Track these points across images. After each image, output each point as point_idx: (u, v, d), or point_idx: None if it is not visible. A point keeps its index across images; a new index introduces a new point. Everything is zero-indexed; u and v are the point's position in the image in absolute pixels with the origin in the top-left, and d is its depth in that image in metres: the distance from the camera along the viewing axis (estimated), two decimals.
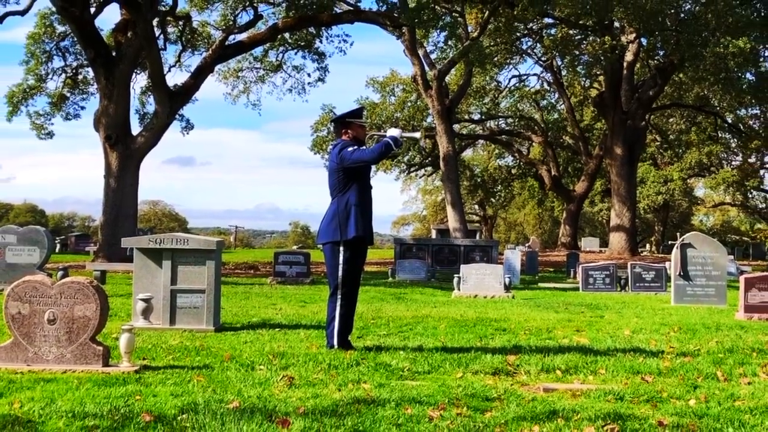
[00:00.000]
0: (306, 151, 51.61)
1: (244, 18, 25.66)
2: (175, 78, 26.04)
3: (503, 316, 10.25)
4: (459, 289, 14.45)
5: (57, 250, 31.02)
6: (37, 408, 4.33)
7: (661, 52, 30.06)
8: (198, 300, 8.23)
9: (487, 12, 27.22)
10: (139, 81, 27.66)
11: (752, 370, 6.12)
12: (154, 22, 24.01)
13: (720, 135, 42.54)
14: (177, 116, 26.36)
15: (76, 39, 24.48)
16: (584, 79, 36.38)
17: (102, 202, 22.80)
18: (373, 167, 7.17)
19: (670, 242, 37.61)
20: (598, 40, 28.45)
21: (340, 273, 6.74)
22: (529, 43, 34.82)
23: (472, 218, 55.30)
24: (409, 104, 40.94)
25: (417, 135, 7.84)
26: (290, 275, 17.60)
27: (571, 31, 30.81)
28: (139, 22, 21.72)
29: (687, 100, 37.30)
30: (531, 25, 30.86)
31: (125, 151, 22.32)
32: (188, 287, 8.24)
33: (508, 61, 35.59)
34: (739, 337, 8.28)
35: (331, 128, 28.90)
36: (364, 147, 6.87)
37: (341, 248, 6.74)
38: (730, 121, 39.76)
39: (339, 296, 6.75)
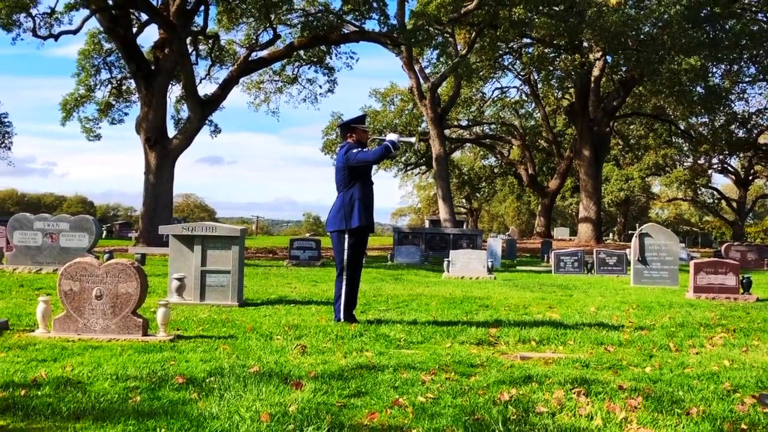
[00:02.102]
0: (317, 152, 51.50)
1: (265, 37, 25.58)
2: (205, 89, 26.04)
3: (486, 295, 10.26)
4: (448, 271, 14.45)
5: (103, 236, 31.03)
6: (86, 371, 4.34)
7: (624, 68, 29.95)
8: (224, 279, 8.24)
9: (473, 33, 27.13)
10: (175, 91, 27.60)
11: (700, 342, 6.13)
12: (188, 41, 23.97)
13: (674, 140, 42.46)
14: (207, 122, 26.31)
15: (120, 55, 24.40)
16: (557, 91, 36.31)
17: (142, 195, 22.80)
18: (374, 166, 7.15)
19: (630, 232, 37.62)
20: (570, 57, 28.39)
21: (345, 257, 6.75)
22: (510, 60, 34.74)
23: (460, 210, 55.28)
24: (406, 112, 40.91)
25: (412, 140, 7.82)
26: (303, 259, 17.60)
27: (546, 50, 30.73)
28: (174, 41, 21.69)
29: (645, 110, 37.22)
30: (511, 44, 30.77)
31: (162, 151, 22.30)
32: (216, 268, 8.25)
33: (491, 75, 35.50)
34: (689, 314, 8.29)
35: (339, 132, 28.90)
36: (367, 149, 6.87)
37: (346, 236, 6.75)
38: (682, 128, 39.68)
39: (344, 277, 6.77)
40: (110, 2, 21.29)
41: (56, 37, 23.73)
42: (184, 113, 27.29)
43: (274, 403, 3.63)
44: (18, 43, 53.60)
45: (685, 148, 44.29)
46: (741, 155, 43.44)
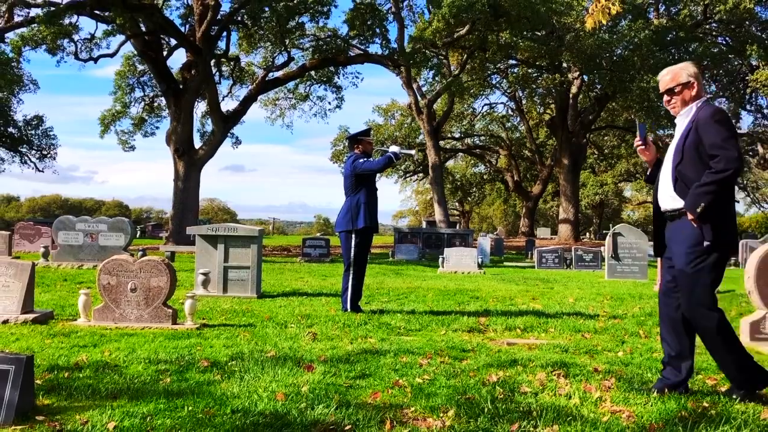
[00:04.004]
0: (327, 161, 51.47)
1: (280, 59, 25.58)
2: (228, 105, 25.98)
3: (476, 288, 10.25)
4: (443, 267, 14.44)
5: (137, 236, 31.02)
6: (122, 356, 4.35)
7: (599, 86, 29.89)
8: (244, 274, 8.24)
9: (465, 55, 27.11)
10: (200, 107, 27.61)
11: None
12: (212, 63, 24.00)
13: None
14: (229, 134, 26.32)
15: (152, 75, 24.43)
16: (539, 106, 36.26)
17: (172, 200, 22.80)
18: (378, 174, 7.16)
19: (604, 231, 37.50)
20: (550, 77, 28.36)
21: (352, 254, 6.76)
22: (498, 79, 34.68)
23: (453, 212, 55.13)
24: (405, 125, 40.89)
25: (412, 152, 7.86)
26: (315, 256, 17.59)
27: (529, 70, 30.71)
28: (200, 63, 21.71)
29: (618, 123, 37.12)
30: (499, 65, 30.71)
31: (189, 161, 22.30)
32: (237, 264, 8.26)
33: (481, 92, 35.45)
34: (657, 304, 8.28)
35: (346, 144, 28.85)
36: (372, 159, 6.89)
37: (353, 235, 6.75)
38: (651, 139, 39.58)
39: (351, 272, 6.77)
40: (143, 29, 21.34)
41: (96, 59, 23.83)
42: (209, 127, 27.29)
43: (289, 384, 3.63)
44: (62, 65, 53.79)
45: None
46: None
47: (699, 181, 3.33)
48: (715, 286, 3.43)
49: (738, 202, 55.81)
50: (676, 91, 3.58)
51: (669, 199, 3.55)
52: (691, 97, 3.56)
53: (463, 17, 22.27)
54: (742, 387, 3.45)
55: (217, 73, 25.92)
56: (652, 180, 3.76)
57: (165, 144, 22.92)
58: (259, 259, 8.41)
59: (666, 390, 3.53)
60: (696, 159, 3.41)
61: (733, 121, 34.62)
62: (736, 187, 47.48)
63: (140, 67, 26.42)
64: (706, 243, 3.33)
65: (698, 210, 3.29)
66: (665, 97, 3.66)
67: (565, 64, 29.17)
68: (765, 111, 33.48)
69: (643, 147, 3.78)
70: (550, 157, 38.08)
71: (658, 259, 11.62)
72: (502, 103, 40.32)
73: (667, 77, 3.63)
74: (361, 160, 6.75)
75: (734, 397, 3.44)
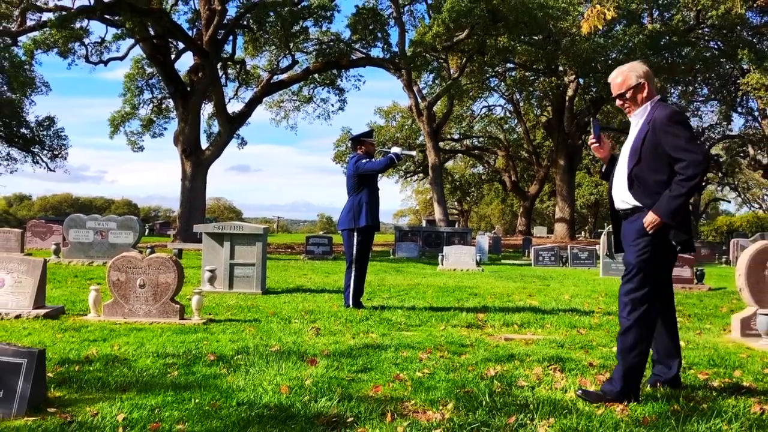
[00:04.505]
0: (330, 161, 51.50)
1: (285, 63, 25.59)
2: (234, 107, 26.00)
3: (475, 285, 10.24)
4: (442, 264, 14.44)
5: (146, 234, 31.01)
6: (131, 349, 4.35)
7: (594, 89, 29.86)
8: (249, 271, 8.25)
9: (464, 59, 27.09)
10: (207, 109, 27.61)
11: None
12: (218, 66, 24.00)
13: None
14: (235, 135, 26.33)
15: (160, 78, 24.46)
16: (536, 109, 36.21)
17: (179, 198, 22.83)
18: (380, 174, 7.17)
19: (599, 230, 37.51)
20: (547, 80, 28.34)
21: (354, 252, 6.76)
22: (496, 82, 34.67)
23: (452, 212, 55.11)
24: (406, 127, 40.88)
25: (413, 153, 7.87)
26: (318, 253, 17.60)
27: (527, 73, 30.68)
28: (206, 66, 21.72)
29: (613, 125, 37.11)
30: (497, 68, 30.68)
31: (197, 161, 22.32)
32: (242, 261, 8.26)
33: (479, 95, 35.45)
34: None
35: (349, 145, 28.87)
36: (374, 159, 6.89)
37: (355, 233, 6.75)
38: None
39: (353, 269, 6.77)
40: (152, 33, 21.35)
41: (105, 62, 23.87)
42: (215, 128, 27.31)
43: (293, 378, 3.63)
44: (73, 68, 53.88)
45: None
46: None
47: (669, 189, 3.22)
48: (658, 279, 3.31)
49: (729, 202, 55.80)
50: (627, 96, 3.45)
51: (624, 199, 3.42)
52: (642, 98, 3.43)
53: (463, 22, 22.25)
54: (616, 385, 3.25)
55: (224, 76, 25.93)
56: (607, 177, 3.63)
57: (173, 144, 22.94)
58: (263, 256, 8.41)
59: (659, 384, 3.52)
60: (654, 161, 3.28)
61: (725, 123, 34.65)
62: (728, 188, 47.27)
63: (149, 70, 26.45)
64: (674, 242, 3.27)
65: (673, 217, 3.20)
66: (617, 101, 3.51)
67: (561, 68, 29.14)
68: (755, 114, 33.44)
69: (598, 144, 3.62)
70: (547, 158, 38.05)
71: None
72: (500, 105, 40.31)
73: (617, 80, 3.49)
74: (364, 161, 6.75)
75: (602, 392, 3.25)
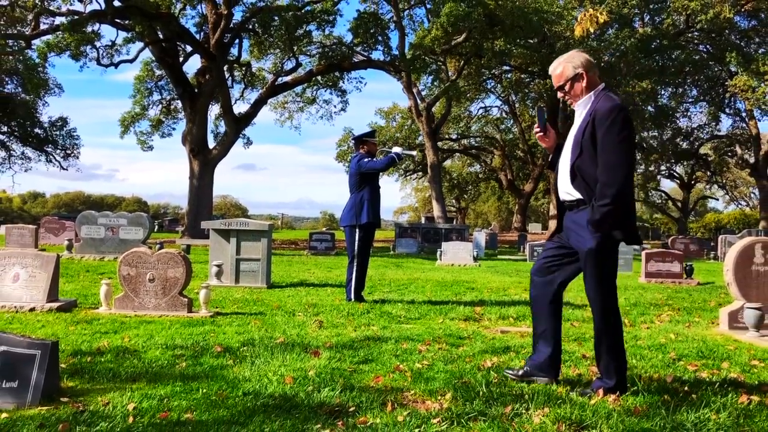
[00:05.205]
0: (332, 161, 51.45)
1: (289, 65, 25.56)
2: (240, 108, 25.83)
3: (472, 279, 10.24)
4: (441, 260, 14.43)
5: (155, 230, 31.02)
6: (140, 341, 4.35)
7: None
8: (255, 266, 8.25)
9: (462, 61, 27.07)
10: (214, 110, 27.58)
11: (650, 319, 6.11)
12: (225, 68, 23.97)
13: None
14: (241, 135, 26.30)
15: (169, 80, 24.43)
16: (531, 109, 36.17)
17: (187, 196, 22.83)
18: (381, 173, 7.16)
19: None
20: (542, 82, 28.27)
21: (356, 247, 6.75)
22: (492, 84, 34.61)
23: (450, 209, 55.11)
24: (406, 127, 40.83)
25: (413, 152, 7.87)
26: (321, 249, 17.60)
27: (522, 75, 30.63)
28: (213, 69, 21.70)
29: None
30: (494, 71, 30.64)
31: (204, 160, 22.31)
32: (248, 257, 8.26)
33: (477, 96, 35.39)
34: (641, 295, 8.27)
35: (352, 144, 28.85)
36: (376, 159, 6.88)
37: (357, 230, 6.75)
38: (636, 141, 39.52)
39: (355, 264, 6.76)
40: (161, 36, 21.32)
41: (116, 65, 23.82)
42: (222, 128, 27.27)
43: (297, 368, 3.63)
44: (84, 70, 53.77)
45: (638, 157, 44.08)
46: (685, 163, 43.26)
47: (596, 197, 3.04)
48: (615, 272, 3.21)
49: (717, 199, 55.77)
50: (566, 88, 3.26)
51: (567, 191, 3.24)
52: (582, 89, 3.21)
53: (461, 26, 22.21)
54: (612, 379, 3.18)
55: (230, 78, 25.91)
56: (553, 167, 3.42)
57: (181, 144, 22.93)
58: (268, 252, 8.41)
59: (534, 373, 3.34)
60: (594, 155, 3.07)
61: (713, 123, 34.58)
62: (716, 186, 47.17)
63: (158, 72, 26.41)
64: (616, 233, 3.09)
65: (599, 227, 3.04)
66: (558, 93, 3.33)
67: None
68: (743, 114, 33.41)
69: (542, 134, 3.42)
70: (542, 157, 38.01)
71: (643, 252, 11.51)
72: (496, 106, 40.30)
73: (556, 72, 3.29)
74: (366, 160, 6.75)
75: (588, 391, 3.18)
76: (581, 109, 3.23)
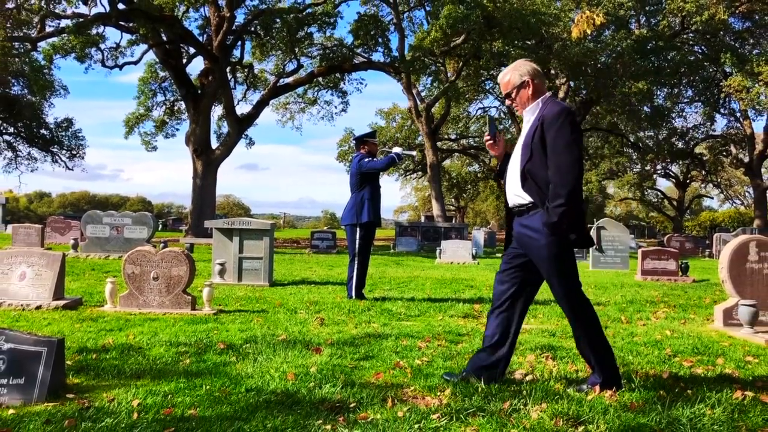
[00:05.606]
0: (333, 160, 51.42)
1: (290, 67, 25.53)
2: (242, 109, 25.76)
3: (471, 277, 10.24)
4: (440, 258, 14.43)
5: (159, 229, 31.06)
6: (145, 339, 4.35)
7: (584, 91, 29.82)
8: (257, 264, 8.25)
9: (461, 63, 27.04)
10: (217, 111, 27.55)
11: (646, 316, 6.11)
12: (228, 70, 23.96)
13: (625, 150, 42.19)
14: (243, 136, 26.27)
15: (173, 81, 24.41)
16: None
17: (191, 196, 22.81)
18: (381, 172, 7.16)
19: (589, 225, 37.44)
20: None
21: (356, 246, 6.75)
22: (491, 85, 34.57)
23: (449, 208, 55.13)
24: (405, 128, 40.82)
25: (413, 153, 7.87)
26: (322, 247, 17.59)
27: None
28: (216, 70, 21.67)
29: (602, 125, 37.04)
30: (492, 72, 30.62)
31: (207, 160, 22.29)
32: (251, 255, 8.26)
33: (475, 97, 35.37)
34: (637, 292, 8.27)
35: (353, 144, 28.86)
36: (376, 159, 6.88)
37: (358, 228, 6.75)
38: (632, 140, 39.48)
39: (355, 262, 6.76)
40: (165, 39, 21.30)
41: (120, 67, 23.82)
42: (225, 129, 27.28)
43: (298, 365, 3.63)
44: (89, 72, 53.79)
45: (635, 157, 44.07)
46: (680, 163, 43.28)
47: (550, 199, 3.02)
48: (575, 268, 3.16)
49: (712, 198, 55.74)
50: (513, 95, 3.28)
51: (516, 196, 3.22)
52: (528, 96, 3.23)
53: (459, 28, 22.20)
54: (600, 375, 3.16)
55: (233, 79, 25.89)
56: (501, 175, 3.39)
57: (184, 144, 22.91)
58: (271, 250, 8.41)
59: (479, 372, 3.26)
60: (544, 158, 3.08)
61: (708, 123, 34.53)
62: (711, 185, 47.13)
63: (162, 74, 26.39)
64: (572, 236, 3.05)
65: (560, 230, 3.01)
66: (506, 101, 3.36)
67: (553, 71, 29.06)
68: (737, 114, 33.39)
69: (492, 142, 3.43)
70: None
71: (639, 250, 11.52)
72: (494, 107, 40.24)
73: (504, 80, 3.31)
74: (366, 160, 6.75)
75: (584, 387, 3.16)
76: (529, 116, 3.25)
